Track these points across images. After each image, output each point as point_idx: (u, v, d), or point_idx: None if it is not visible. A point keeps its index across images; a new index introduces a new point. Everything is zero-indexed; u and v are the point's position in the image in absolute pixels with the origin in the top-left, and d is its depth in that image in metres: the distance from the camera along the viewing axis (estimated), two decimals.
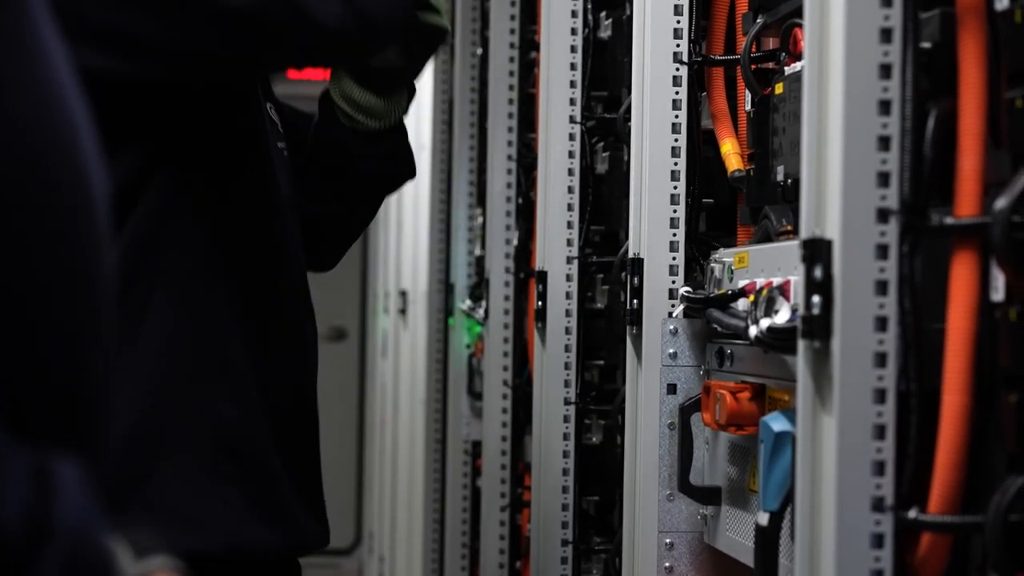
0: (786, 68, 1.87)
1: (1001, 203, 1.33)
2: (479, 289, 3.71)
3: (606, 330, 2.73)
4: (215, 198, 1.83)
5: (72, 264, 0.74)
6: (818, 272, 1.42)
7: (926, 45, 1.46)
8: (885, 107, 1.41)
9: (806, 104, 1.47)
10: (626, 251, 2.24)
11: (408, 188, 5.14)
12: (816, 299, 1.42)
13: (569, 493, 2.65)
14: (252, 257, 1.85)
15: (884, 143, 1.41)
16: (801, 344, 1.46)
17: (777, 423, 1.63)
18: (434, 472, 4.32)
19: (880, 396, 1.39)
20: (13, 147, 0.72)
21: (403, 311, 5.20)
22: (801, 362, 1.46)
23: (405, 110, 2.02)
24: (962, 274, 1.38)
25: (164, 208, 1.78)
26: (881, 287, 1.40)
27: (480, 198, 3.96)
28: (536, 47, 3.27)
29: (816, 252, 1.43)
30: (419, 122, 5.19)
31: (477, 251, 3.99)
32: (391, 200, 5.40)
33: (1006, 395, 1.33)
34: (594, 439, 2.71)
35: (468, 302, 3.81)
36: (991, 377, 1.36)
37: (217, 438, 1.80)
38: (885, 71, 1.41)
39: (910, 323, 1.40)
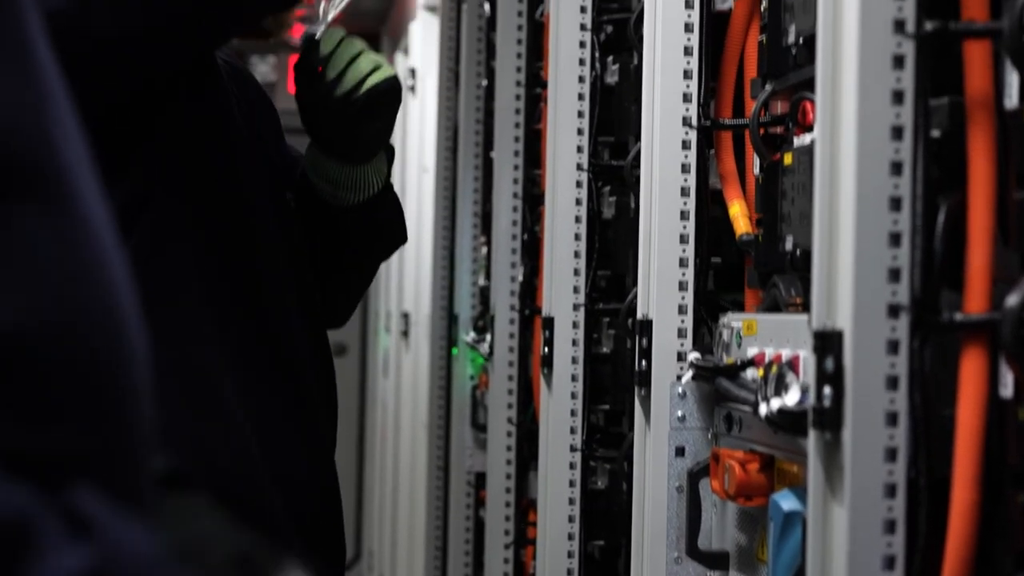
0: (795, 138, 1.89)
1: (1011, 301, 1.35)
2: (482, 320, 3.73)
3: (612, 375, 2.74)
4: (194, 240, 1.79)
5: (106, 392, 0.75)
6: (829, 364, 1.44)
7: (935, 134, 1.48)
8: (896, 204, 1.43)
9: (817, 201, 1.49)
10: (633, 297, 2.25)
11: (411, 208, 5.15)
12: (827, 391, 1.44)
13: (575, 540, 2.67)
14: (237, 298, 1.80)
15: (895, 239, 1.43)
16: (812, 434, 1.48)
17: (787, 502, 1.65)
18: (436, 500, 4.33)
19: (891, 491, 1.42)
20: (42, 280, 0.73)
21: (405, 333, 5.21)
22: (812, 451, 1.48)
23: (387, 174, 1.97)
24: (971, 370, 1.40)
25: (152, 242, 1.75)
26: (892, 382, 1.42)
27: (484, 227, 3.96)
28: (542, 83, 3.28)
29: (827, 344, 1.45)
30: (423, 144, 5.20)
31: (481, 281, 3.99)
32: None
33: (1014, 493, 1.36)
34: (599, 483, 2.72)
35: (472, 334, 3.82)
36: (999, 474, 1.38)
37: (211, 483, 1.72)
38: (896, 168, 1.44)
39: (920, 417, 1.42)
